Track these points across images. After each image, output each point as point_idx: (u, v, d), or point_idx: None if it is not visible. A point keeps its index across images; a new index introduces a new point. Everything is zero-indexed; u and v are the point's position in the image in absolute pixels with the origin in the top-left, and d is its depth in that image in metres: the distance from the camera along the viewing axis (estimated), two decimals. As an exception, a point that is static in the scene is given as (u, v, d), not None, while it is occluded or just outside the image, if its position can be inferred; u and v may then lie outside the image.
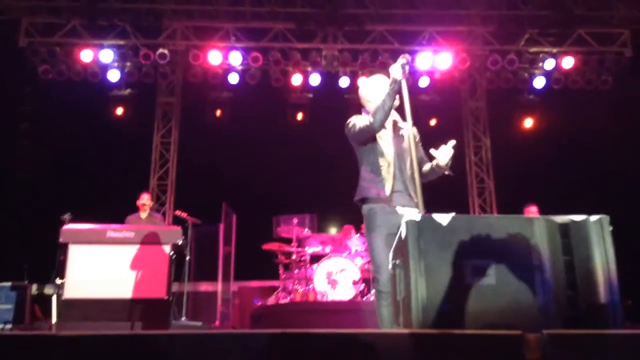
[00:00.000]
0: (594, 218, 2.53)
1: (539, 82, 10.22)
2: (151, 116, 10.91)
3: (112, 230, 5.91)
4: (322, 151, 9.41)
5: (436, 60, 9.93)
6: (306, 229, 8.33)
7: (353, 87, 10.07)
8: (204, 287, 9.10)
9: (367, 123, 3.70)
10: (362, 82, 3.98)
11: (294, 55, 9.90)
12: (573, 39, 10.03)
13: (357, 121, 3.80)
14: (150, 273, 5.77)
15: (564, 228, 2.53)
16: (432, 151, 3.78)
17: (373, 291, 7.33)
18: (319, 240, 8.34)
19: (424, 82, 10.26)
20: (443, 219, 2.55)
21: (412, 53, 9.77)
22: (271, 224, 8.62)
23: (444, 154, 3.70)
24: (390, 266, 3.22)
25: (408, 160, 3.69)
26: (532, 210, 7.61)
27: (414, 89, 9.85)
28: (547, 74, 10.17)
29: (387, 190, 3.64)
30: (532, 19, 9.94)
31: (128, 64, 9.95)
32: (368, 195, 3.71)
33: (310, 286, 7.57)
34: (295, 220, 8.19)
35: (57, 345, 1.94)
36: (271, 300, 7.88)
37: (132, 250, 5.84)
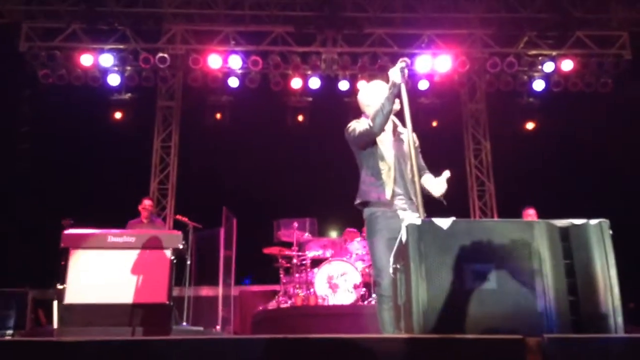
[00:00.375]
0: (594, 222, 2.53)
1: (539, 85, 10.23)
2: (151, 120, 10.91)
3: (113, 235, 5.91)
4: (322, 155, 9.42)
5: (435, 63, 9.94)
6: (307, 233, 8.34)
7: (353, 91, 10.09)
8: (205, 291, 9.09)
9: (367, 127, 3.70)
10: (362, 87, 3.99)
11: (294, 59, 9.92)
12: (572, 42, 10.04)
13: (357, 126, 3.80)
14: (151, 278, 5.76)
15: (564, 232, 2.53)
16: (425, 182, 3.76)
17: (374, 295, 7.33)
18: (319, 244, 8.34)
19: (423, 85, 10.26)
20: (443, 223, 2.55)
21: (412, 56, 9.78)
22: (272, 228, 8.62)
23: (438, 186, 3.68)
24: (391, 270, 3.23)
25: (408, 164, 3.69)
26: (530, 213, 7.61)
27: (413, 92, 9.85)
28: (547, 77, 10.18)
29: (388, 193, 3.65)
30: (531, 21, 9.95)
31: (128, 68, 9.97)
32: (369, 199, 3.71)
33: (311, 290, 7.56)
34: (295, 224, 8.19)
35: (58, 351, 1.94)
36: (272, 305, 7.88)
37: (133, 255, 5.83)
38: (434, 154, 4.10)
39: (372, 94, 3.90)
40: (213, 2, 10.06)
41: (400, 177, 3.73)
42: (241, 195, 9.78)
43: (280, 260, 8.18)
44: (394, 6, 10.10)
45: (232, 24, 10.14)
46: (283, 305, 7.66)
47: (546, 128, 10.36)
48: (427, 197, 3.69)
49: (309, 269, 7.84)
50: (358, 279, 7.48)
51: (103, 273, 5.70)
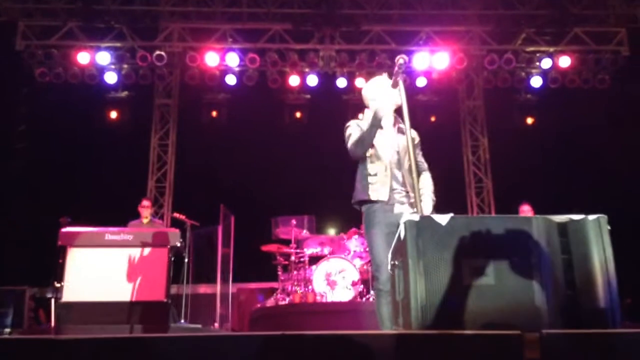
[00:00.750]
0: (592, 217, 2.53)
1: (536, 82, 10.24)
2: (149, 118, 10.89)
3: (111, 233, 5.91)
4: (320, 152, 9.40)
5: (433, 60, 9.94)
6: (305, 230, 8.33)
7: (350, 88, 10.09)
8: (203, 289, 9.09)
9: (351, 148, 3.78)
10: (365, 83, 4.02)
11: (291, 56, 9.91)
12: (569, 38, 10.05)
13: (352, 135, 3.84)
14: (149, 275, 5.76)
15: (563, 227, 2.53)
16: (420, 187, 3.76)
17: (372, 292, 7.33)
18: (317, 242, 8.34)
19: (421, 82, 10.27)
20: (442, 219, 2.55)
21: (409, 53, 9.78)
22: (269, 226, 8.62)
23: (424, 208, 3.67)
24: (389, 266, 3.23)
25: (406, 158, 3.69)
26: (525, 209, 7.62)
27: (411, 89, 9.85)
28: (544, 73, 10.19)
29: (385, 194, 3.66)
30: (529, 18, 9.95)
31: (125, 66, 9.94)
32: (365, 198, 3.72)
33: (310, 287, 7.56)
34: (293, 222, 8.19)
35: (56, 349, 1.93)
36: (270, 302, 7.88)
37: (130, 252, 5.83)
38: (431, 151, 4.09)
39: (376, 89, 3.94)
40: (210, -1, 10.06)
41: (397, 173, 3.74)
42: (239, 193, 9.76)
43: (278, 257, 8.17)
44: (392, 3, 10.10)
45: (229, 22, 10.13)
46: (281, 303, 7.66)
47: (544, 124, 10.36)
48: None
49: (307, 267, 7.84)
50: (356, 276, 7.48)
51: (101, 271, 5.71)
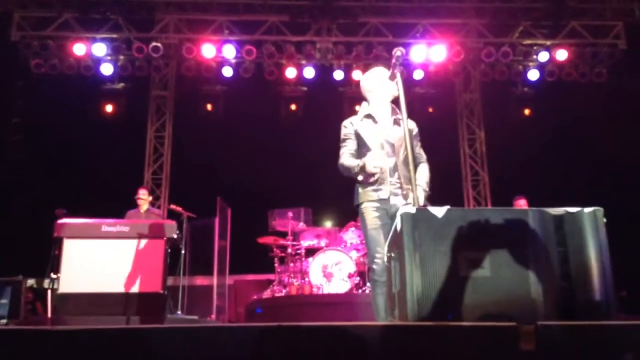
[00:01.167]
0: (588, 210, 2.53)
1: (533, 75, 10.24)
2: (145, 110, 10.86)
3: (107, 225, 5.91)
4: (317, 144, 9.39)
5: (430, 52, 9.92)
6: (301, 223, 8.34)
7: (347, 80, 10.06)
8: (200, 281, 9.10)
9: (342, 168, 3.83)
10: (362, 75, 4.04)
11: (288, 48, 9.87)
12: (567, 32, 10.04)
13: (343, 155, 3.86)
14: (146, 267, 5.77)
15: (558, 220, 2.54)
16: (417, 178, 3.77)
17: (368, 284, 7.36)
18: (314, 234, 8.35)
19: (418, 75, 10.25)
20: (438, 211, 2.55)
21: (407, 46, 9.76)
22: (266, 218, 8.62)
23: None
24: (385, 258, 3.24)
25: (402, 150, 3.69)
26: (521, 203, 7.65)
27: (408, 82, 9.84)
28: (541, 67, 10.18)
29: (384, 194, 3.66)
30: (526, 11, 9.93)
31: (121, 57, 9.89)
32: (365, 200, 3.72)
33: (306, 279, 7.59)
34: (290, 214, 8.20)
35: (52, 339, 1.93)
36: (267, 294, 7.89)
37: (127, 244, 5.84)
38: (428, 144, 4.09)
39: (373, 81, 3.96)
40: (207, -10, 10.01)
41: (393, 168, 3.74)
42: (236, 185, 9.75)
43: (275, 249, 8.19)
44: (388, -5, 10.07)
45: (225, 13, 10.08)
46: (278, 294, 7.68)
47: (541, 118, 10.36)
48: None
49: (303, 259, 7.86)
50: (352, 268, 7.50)
51: (97, 262, 5.71)
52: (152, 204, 8.16)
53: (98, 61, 9.87)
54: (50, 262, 6.03)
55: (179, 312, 7.31)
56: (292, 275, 7.79)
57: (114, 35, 9.83)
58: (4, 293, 7.04)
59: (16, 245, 8.41)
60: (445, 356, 1.91)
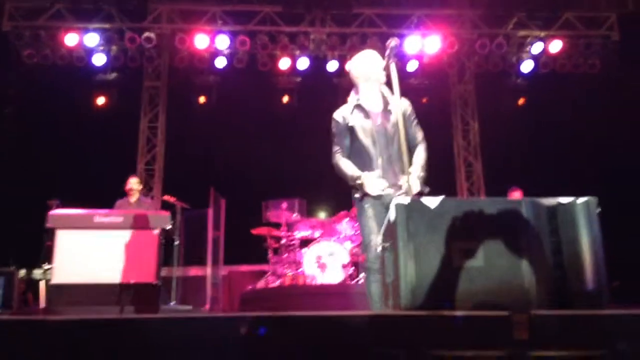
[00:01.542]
0: (581, 200, 2.54)
1: (527, 66, 10.25)
2: (138, 100, 10.80)
3: (100, 215, 5.89)
4: (311, 135, 9.37)
5: (425, 44, 9.91)
6: (295, 214, 8.34)
7: (341, 71, 10.04)
8: (194, 271, 9.09)
9: (335, 168, 3.82)
10: (353, 58, 3.98)
11: (282, 39, 9.84)
12: (561, 23, 10.05)
13: (335, 153, 3.85)
14: (139, 258, 5.76)
15: (552, 210, 2.55)
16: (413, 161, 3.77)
17: (362, 274, 7.38)
18: (308, 225, 8.35)
19: (412, 66, 10.24)
20: (432, 202, 2.55)
21: (401, 37, 9.74)
22: (260, 209, 8.62)
23: (412, 186, 3.62)
24: (379, 247, 3.24)
25: (396, 137, 3.66)
26: (516, 195, 7.68)
27: (402, 73, 9.79)
28: (535, 58, 10.19)
29: (380, 187, 3.66)
30: (520, 2, 9.93)
31: (114, 47, 9.83)
32: (363, 193, 3.72)
33: (300, 270, 7.59)
34: (284, 205, 8.19)
35: (46, 329, 1.93)
36: (261, 284, 7.90)
37: (120, 235, 5.82)
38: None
39: (362, 66, 3.88)
40: (199, -20, 9.95)
41: (386, 157, 3.72)
42: (229, 176, 9.74)
43: (269, 240, 8.19)
44: (383, -15, 10.04)
45: (219, 4, 10.02)
46: (272, 285, 7.69)
47: (534, 109, 10.39)
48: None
49: (297, 249, 7.86)
50: (346, 259, 7.51)
51: (90, 253, 5.70)
52: (145, 194, 8.12)
53: (90, 51, 9.80)
54: (43, 253, 6.01)
55: (173, 303, 7.31)
56: (286, 265, 7.80)
57: (106, 26, 9.76)
58: (-3, 284, 7.02)
59: (7, 236, 8.36)
60: (438, 345, 1.92)
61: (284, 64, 10.05)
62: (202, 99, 10.43)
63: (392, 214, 2.65)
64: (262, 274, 8.31)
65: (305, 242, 7.99)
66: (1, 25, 9.47)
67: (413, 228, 2.51)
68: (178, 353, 1.87)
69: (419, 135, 3.89)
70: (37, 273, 7.72)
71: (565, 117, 9.71)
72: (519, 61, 10.26)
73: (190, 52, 9.84)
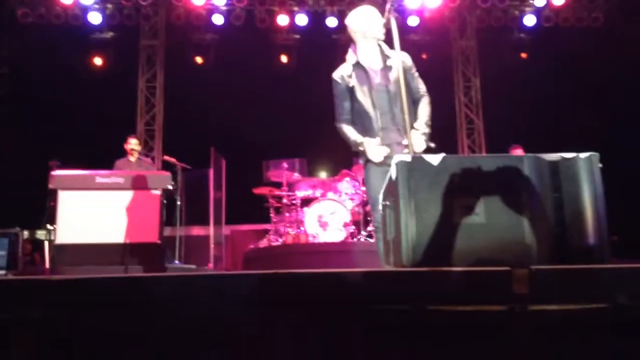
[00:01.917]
0: (583, 155, 2.53)
1: (530, 20, 10.09)
2: (135, 60, 10.67)
3: (101, 176, 5.89)
4: (311, 93, 9.29)
5: (426, -2, 9.73)
6: (296, 173, 8.35)
7: (341, 27, 9.86)
8: (196, 231, 9.16)
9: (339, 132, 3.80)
10: (350, 14, 3.90)
11: (280, -5, 9.66)
12: (564, -25, 9.85)
13: (337, 114, 3.81)
14: (142, 218, 5.79)
15: (554, 166, 2.54)
16: (417, 113, 3.74)
17: (363, 232, 7.43)
18: (309, 184, 8.36)
19: (413, 21, 10.08)
20: (433, 159, 2.54)
21: (401, -9, 9.56)
22: (261, 168, 8.62)
23: (416, 144, 3.57)
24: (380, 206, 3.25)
25: (399, 94, 3.61)
26: (518, 153, 7.65)
27: (403, 29, 9.64)
28: (538, 12, 10.03)
29: (382, 154, 3.64)
30: (524, -46, 9.71)
31: (109, 5, 9.67)
32: (366, 157, 3.71)
33: (302, 229, 7.65)
34: (285, 165, 8.19)
35: (51, 289, 1.95)
36: (263, 243, 7.97)
37: (122, 195, 5.84)
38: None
39: (360, 21, 3.80)
40: None
41: (388, 113, 3.69)
42: (229, 136, 9.70)
43: (270, 200, 8.22)
44: (383, -62, 9.77)
45: (215, -42, 9.80)
46: (274, 244, 7.76)
47: (537, 64, 10.26)
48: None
49: (299, 209, 7.90)
50: (347, 218, 7.56)
51: (93, 213, 5.72)
52: (145, 155, 8.10)
53: (85, 10, 9.65)
54: (46, 213, 6.04)
55: (177, 262, 7.39)
56: (287, 225, 7.85)
57: (102, -17, 9.58)
58: (1, 245, 7.07)
59: (10, 197, 8.39)
60: (439, 301, 1.94)
61: (282, 20, 9.90)
62: (199, 60, 10.31)
63: (393, 172, 2.64)
64: (264, 233, 8.38)
65: (307, 202, 8.02)
66: (-6, -16, 9.30)
67: (414, 185, 2.51)
68: (183, 311, 1.90)
69: (422, 87, 3.84)
70: (41, 233, 7.78)
71: (567, 72, 9.61)
72: (522, 15, 10.09)
73: (187, 9, 9.68)
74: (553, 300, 1.85)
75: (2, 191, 8.55)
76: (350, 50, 3.89)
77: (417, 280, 2.04)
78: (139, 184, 5.89)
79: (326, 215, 7.61)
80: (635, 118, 8.80)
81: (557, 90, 9.87)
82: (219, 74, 10.16)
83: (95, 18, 9.68)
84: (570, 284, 1.91)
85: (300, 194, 8.15)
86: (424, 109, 3.78)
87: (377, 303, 1.95)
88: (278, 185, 8.26)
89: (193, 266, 7.29)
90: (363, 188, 7.70)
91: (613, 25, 9.77)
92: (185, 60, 10.37)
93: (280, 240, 7.76)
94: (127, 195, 5.83)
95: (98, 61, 10.09)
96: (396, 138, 3.68)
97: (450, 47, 11.31)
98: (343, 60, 3.94)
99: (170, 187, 6.06)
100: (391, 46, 3.65)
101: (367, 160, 3.71)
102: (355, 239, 7.45)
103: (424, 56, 10.26)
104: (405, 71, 3.70)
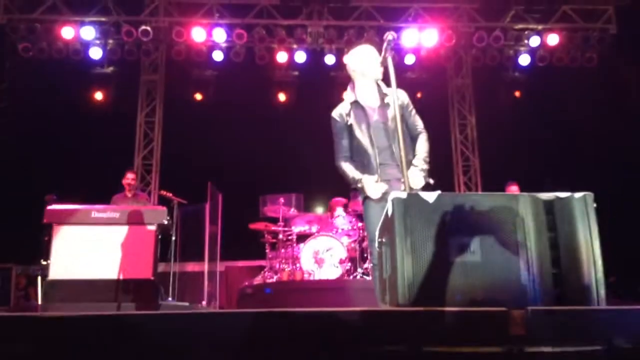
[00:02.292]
0: (578, 195, 2.54)
1: (524, 60, 10.23)
2: (135, 94, 10.76)
3: (97, 211, 5.87)
4: (309, 129, 9.35)
5: (422, 37, 9.88)
6: (292, 209, 8.34)
7: (339, 65, 10.00)
8: (191, 267, 9.08)
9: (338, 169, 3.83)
10: (350, 53, 3.97)
11: (279, 32, 9.80)
12: (558, 16, 10.02)
13: (337, 153, 3.85)
14: (136, 253, 5.75)
15: (549, 205, 2.54)
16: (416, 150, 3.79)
17: (360, 270, 7.39)
18: (305, 220, 8.35)
19: (409, 59, 10.21)
20: (429, 196, 2.55)
21: (398, 30, 9.72)
22: (257, 204, 8.60)
23: (414, 179, 3.60)
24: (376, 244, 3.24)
25: (396, 130, 3.64)
26: (513, 189, 7.68)
27: (399, 67, 9.80)
28: (532, 51, 10.17)
29: (380, 191, 3.65)
30: (517, -5, 9.91)
31: (110, 41, 9.78)
32: (365, 193, 3.73)
33: (297, 265, 7.60)
34: (281, 200, 8.19)
35: (42, 326, 1.92)
36: (258, 280, 7.90)
37: (117, 230, 5.81)
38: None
39: (359, 60, 3.87)
40: (196, -27, 9.89)
41: (390, 152, 3.72)
42: (226, 171, 9.71)
43: (266, 235, 8.19)
44: (380, -21, 10.00)
45: (215, -4, 9.98)
46: (269, 280, 7.69)
47: (531, 103, 10.37)
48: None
49: (295, 244, 7.86)
50: (344, 254, 7.52)
51: (87, 249, 5.68)
52: (142, 189, 8.10)
53: (87, 45, 9.75)
54: (41, 248, 6.01)
55: (170, 299, 7.31)
56: (283, 261, 7.80)
57: (103, 19, 9.71)
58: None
59: (6, 231, 8.34)
60: (435, 341, 1.92)
61: (282, 57, 10.02)
62: (199, 96, 10.42)
63: (389, 209, 2.64)
64: (260, 269, 8.32)
65: (303, 237, 7.99)
66: (-4, 18, 9.42)
67: (410, 223, 2.51)
68: (176, 350, 1.87)
69: (419, 124, 3.90)
70: (35, 269, 7.70)
71: (562, 111, 9.71)
72: (517, 54, 10.24)
73: (187, 45, 9.80)
74: (549, 342, 1.83)
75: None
76: (348, 89, 3.95)
77: (413, 320, 2.02)
78: (134, 219, 5.86)
79: (322, 252, 7.58)
80: (630, 157, 8.85)
81: (551, 129, 9.95)
82: (218, 109, 10.23)
83: (96, 53, 9.78)
84: (566, 326, 1.90)
85: (297, 229, 8.13)
86: (422, 145, 3.82)
87: (372, 343, 1.93)
88: (274, 220, 8.24)
89: (186, 303, 7.20)
90: (360, 224, 7.68)
91: (607, 65, 9.91)
92: (185, 95, 10.45)
93: (276, 277, 7.70)
94: (122, 231, 5.80)
95: (98, 95, 10.17)
96: (395, 174, 3.70)
97: (446, 85, 11.45)
98: (340, 97, 3.99)
99: (165, 222, 6.04)
100: (388, 84, 3.71)
101: (366, 197, 3.72)
102: (351, 276, 7.39)
103: (419, 95, 10.35)
104: (403, 108, 3.76)
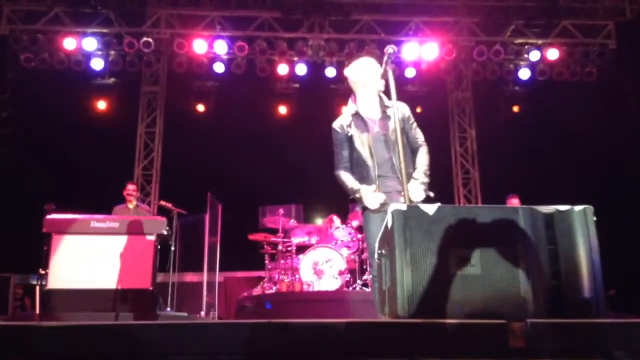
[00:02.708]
0: (578, 208, 2.54)
1: (524, 74, 10.28)
2: (136, 105, 10.80)
3: (96, 221, 5.87)
4: (309, 141, 9.38)
5: (422, 51, 9.93)
6: (292, 220, 8.34)
7: (339, 77, 10.05)
8: (190, 277, 9.05)
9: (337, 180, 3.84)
10: (351, 65, 3.98)
11: (280, 45, 9.86)
12: (558, 31, 10.08)
13: (336, 162, 3.87)
14: (135, 263, 5.74)
15: (549, 218, 2.54)
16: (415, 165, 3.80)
17: (359, 281, 7.37)
18: (305, 231, 8.35)
19: (410, 73, 10.25)
20: (429, 209, 2.55)
21: (399, 43, 9.77)
22: (257, 214, 8.60)
23: (414, 192, 3.63)
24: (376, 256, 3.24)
25: (396, 142, 3.65)
26: (514, 202, 7.68)
27: (400, 80, 9.84)
28: (532, 66, 10.22)
29: (378, 201, 3.66)
30: (518, 10, 9.97)
31: (112, 52, 9.83)
32: (363, 204, 3.74)
33: (297, 276, 7.58)
34: (281, 211, 8.19)
35: (40, 335, 1.92)
36: (257, 291, 7.88)
37: (116, 240, 5.80)
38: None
39: (360, 72, 3.88)
40: (198, -15, 9.97)
41: (390, 164, 3.73)
42: (226, 182, 9.71)
43: (265, 246, 8.17)
44: (381, -7, 10.07)
45: (217, 9, 10.04)
46: (268, 291, 7.67)
47: (531, 117, 10.41)
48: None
49: (294, 255, 7.85)
50: (343, 266, 7.50)
51: (86, 258, 5.67)
52: (142, 199, 8.10)
53: (88, 56, 9.80)
54: (40, 258, 5.99)
55: (169, 309, 7.28)
56: (282, 272, 7.78)
57: (105, 30, 9.77)
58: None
59: (4, 240, 8.32)
60: (435, 353, 1.91)
61: (282, 69, 10.06)
62: (201, 108, 10.45)
63: (389, 221, 2.64)
64: (259, 280, 8.29)
65: (302, 248, 7.98)
66: (-1, 29, 9.48)
67: (409, 235, 2.50)
68: (173, 360, 1.86)
69: (420, 137, 3.91)
70: (33, 278, 7.67)
71: (562, 125, 9.73)
72: (516, 69, 10.29)
73: (188, 57, 9.85)
74: (549, 354, 1.82)
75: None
76: (350, 100, 3.96)
77: (413, 332, 2.02)
78: (134, 228, 5.86)
79: (322, 263, 7.57)
80: (629, 171, 8.86)
81: (551, 142, 9.97)
82: (218, 120, 10.26)
83: (97, 64, 9.83)
84: (566, 338, 1.89)
85: (296, 240, 8.12)
86: (423, 158, 3.84)
87: (372, 355, 1.92)
88: (274, 231, 8.23)
89: (185, 314, 7.17)
90: (359, 235, 7.68)
91: (606, 80, 9.95)
92: (185, 107, 10.48)
93: (275, 287, 7.68)
94: (122, 240, 5.80)
95: (99, 106, 10.19)
96: (396, 187, 3.71)
97: (446, 99, 11.49)
98: (340, 108, 4.01)
99: (165, 233, 6.04)
100: (389, 97, 3.72)
101: (365, 208, 3.73)
102: (350, 288, 7.37)
103: (419, 109, 10.38)
104: (404, 121, 3.77)
